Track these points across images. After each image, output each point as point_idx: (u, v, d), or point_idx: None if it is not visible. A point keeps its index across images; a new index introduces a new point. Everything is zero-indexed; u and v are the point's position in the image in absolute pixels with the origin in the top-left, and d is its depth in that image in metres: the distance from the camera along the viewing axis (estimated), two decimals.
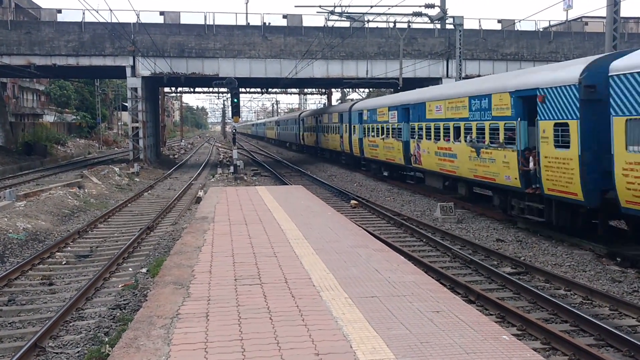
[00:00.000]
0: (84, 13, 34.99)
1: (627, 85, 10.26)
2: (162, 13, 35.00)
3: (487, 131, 15.30)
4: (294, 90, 61.69)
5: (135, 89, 34.51)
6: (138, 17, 32.82)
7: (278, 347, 5.18)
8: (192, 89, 56.90)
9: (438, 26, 34.45)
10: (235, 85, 28.40)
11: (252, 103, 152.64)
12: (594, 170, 11.44)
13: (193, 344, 5.29)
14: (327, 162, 38.42)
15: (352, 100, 46.50)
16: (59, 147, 46.96)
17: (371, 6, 24.01)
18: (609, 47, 15.12)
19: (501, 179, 14.64)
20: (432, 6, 25.25)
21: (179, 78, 35.13)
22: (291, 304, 6.42)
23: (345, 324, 5.76)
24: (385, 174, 26.13)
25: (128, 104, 36.49)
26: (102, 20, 27.37)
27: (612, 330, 7.32)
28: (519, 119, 13.73)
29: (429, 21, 26.65)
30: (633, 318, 8.16)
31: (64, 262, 11.88)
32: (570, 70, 12.03)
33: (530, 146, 13.43)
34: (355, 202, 19.10)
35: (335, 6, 26.14)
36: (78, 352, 7.10)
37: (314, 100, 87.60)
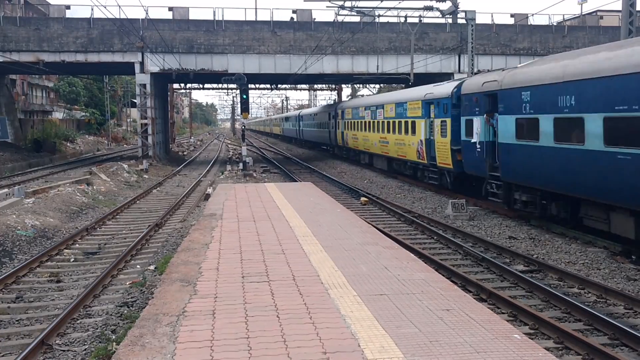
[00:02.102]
0: (92, 9, 35.16)
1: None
2: (170, 9, 34.98)
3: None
4: (303, 86, 61.54)
5: (144, 86, 34.56)
6: (147, 13, 32.90)
7: (285, 345, 5.10)
8: (201, 86, 56.97)
9: (450, 20, 34.11)
10: (245, 82, 28.33)
11: (262, 99, 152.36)
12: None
13: (199, 341, 5.20)
14: (337, 159, 38.33)
15: (362, 96, 47.69)
16: (67, 144, 47.24)
17: (381, 0, 23.82)
18: None
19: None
20: (443, 0, 25.01)
21: (188, 74, 35.14)
22: (299, 301, 6.32)
23: (353, 322, 5.66)
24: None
25: (137, 101, 36.57)
26: (110, 16, 27.40)
27: (627, 329, 7.18)
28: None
29: (441, 15, 26.39)
30: None
31: (72, 259, 11.88)
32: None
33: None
34: (365, 199, 18.97)
35: (345, 0, 25.96)
36: (85, 349, 7.07)
37: (324, 97, 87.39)
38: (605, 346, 6.78)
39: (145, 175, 29.07)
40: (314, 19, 35.47)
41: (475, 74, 25.28)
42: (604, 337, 7.28)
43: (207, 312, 6.03)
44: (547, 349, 5.92)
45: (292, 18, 35.43)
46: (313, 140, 51.03)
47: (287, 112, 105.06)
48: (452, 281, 8.44)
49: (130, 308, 8.37)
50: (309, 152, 49.47)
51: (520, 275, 9.66)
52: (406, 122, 22.94)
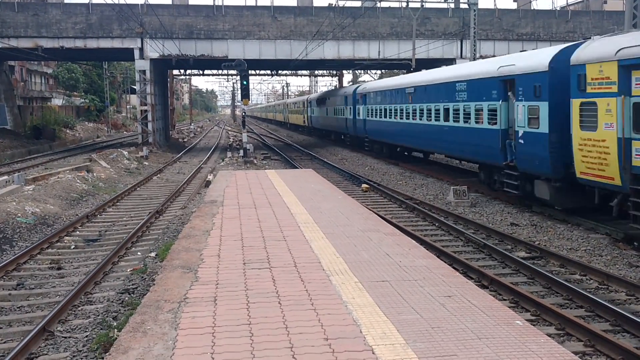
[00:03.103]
0: None
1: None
2: None
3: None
4: (304, 72, 61.26)
5: (144, 72, 34.34)
6: None
7: (287, 332, 5.09)
8: (201, 72, 56.67)
9: (452, 5, 33.85)
10: (245, 67, 28.13)
11: (262, 85, 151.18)
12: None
13: (201, 328, 5.20)
14: (338, 146, 38.17)
15: (363, 81, 46.51)
16: (67, 131, 47.06)
17: None
18: (628, 26, 14.64)
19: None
20: None
21: (188, 60, 34.92)
22: (300, 288, 6.31)
23: (355, 308, 5.66)
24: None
25: (136, 87, 36.37)
26: (109, 1, 27.07)
27: (629, 315, 7.17)
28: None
29: (443, 0, 26.14)
30: None
31: (72, 247, 11.87)
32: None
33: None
34: (367, 185, 18.91)
35: None
36: (86, 336, 7.07)
37: (325, 83, 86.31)
38: (606, 332, 6.77)
39: (145, 162, 29.00)
40: (331, 4, 35.14)
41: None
42: (605, 324, 7.27)
43: (209, 298, 6.01)
44: (549, 335, 5.89)
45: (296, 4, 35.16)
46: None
47: (288, 97, 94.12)
48: (453, 268, 8.43)
49: (132, 295, 8.36)
50: (310, 139, 48.63)
51: (522, 262, 9.63)
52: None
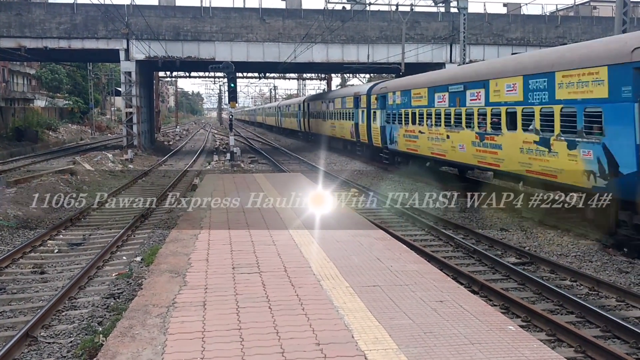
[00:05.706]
0: None
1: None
2: None
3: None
4: (292, 75, 61.28)
5: (129, 73, 34.00)
6: None
7: (277, 337, 5.03)
8: (187, 74, 56.37)
9: (442, 9, 34.00)
10: (232, 70, 28.00)
11: (249, 88, 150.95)
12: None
13: (190, 333, 5.13)
14: (327, 150, 38.13)
15: (352, 85, 46.50)
16: (50, 133, 46.44)
17: None
18: (618, 32, 14.76)
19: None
20: None
21: (174, 62, 34.65)
22: (291, 293, 6.24)
23: (346, 313, 5.61)
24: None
25: (122, 89, 36.01)
26: (95, 1, 26.75)
27: (619, 321, 7.17)
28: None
29: (433, 4, 26.29)
30: None
31: (55, 251, 11.62)
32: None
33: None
34: (356, 190, 18.85)
35: None
36: (71, 341, 6.91)
37: (313, 86, 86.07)
38: (597, 338, 6.77)
39: (130, 165, 28.67)
40: (330, 6, 34.67)
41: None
42: (596, 330, 7.27)
43: (198, 303, 5.93)
44: (540, 340, 5.89)
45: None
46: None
47: (276, 100, 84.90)
48: (444, 273, 8.39)
49: (117, 300, 8.20)
50: (299, 143, 48.58)
51: (512, 268, 9.62)
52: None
